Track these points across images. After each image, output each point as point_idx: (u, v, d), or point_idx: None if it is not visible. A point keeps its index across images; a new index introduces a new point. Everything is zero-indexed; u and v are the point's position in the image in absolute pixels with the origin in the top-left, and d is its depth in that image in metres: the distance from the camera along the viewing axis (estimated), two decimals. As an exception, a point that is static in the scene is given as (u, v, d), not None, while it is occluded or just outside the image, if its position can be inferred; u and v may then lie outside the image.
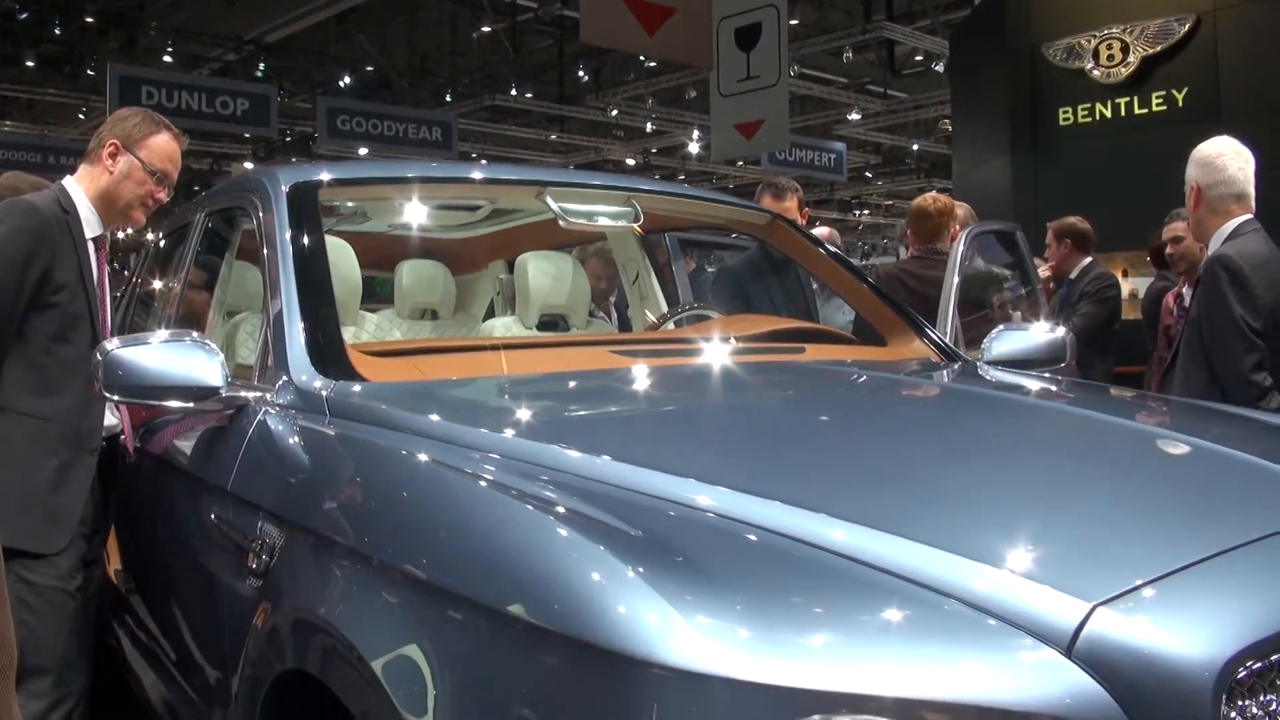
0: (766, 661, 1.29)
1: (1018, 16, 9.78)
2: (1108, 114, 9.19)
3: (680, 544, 1.56)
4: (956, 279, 4.06)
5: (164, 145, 3.28)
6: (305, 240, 2.81)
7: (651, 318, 4.51)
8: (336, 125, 18.13)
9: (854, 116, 21.16)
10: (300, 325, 2.57)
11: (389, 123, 18.66)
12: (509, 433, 2.11)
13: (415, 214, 4.27)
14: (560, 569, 1.48)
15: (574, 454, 1.91)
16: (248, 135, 20.70)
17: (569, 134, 23.07)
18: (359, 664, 1.70)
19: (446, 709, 1.54)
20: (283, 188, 2.96)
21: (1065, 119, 9.41)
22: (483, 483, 1.79)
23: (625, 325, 5.11)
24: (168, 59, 17.77)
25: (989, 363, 3.19)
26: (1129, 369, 6.76)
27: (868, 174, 28.01)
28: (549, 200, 3.30)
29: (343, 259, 3.59)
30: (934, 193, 5.66)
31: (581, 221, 3.39)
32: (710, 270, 6.39)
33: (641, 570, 1.42)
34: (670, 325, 4.15)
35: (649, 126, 22.04)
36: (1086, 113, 9.29)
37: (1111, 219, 6.60)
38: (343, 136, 18.20)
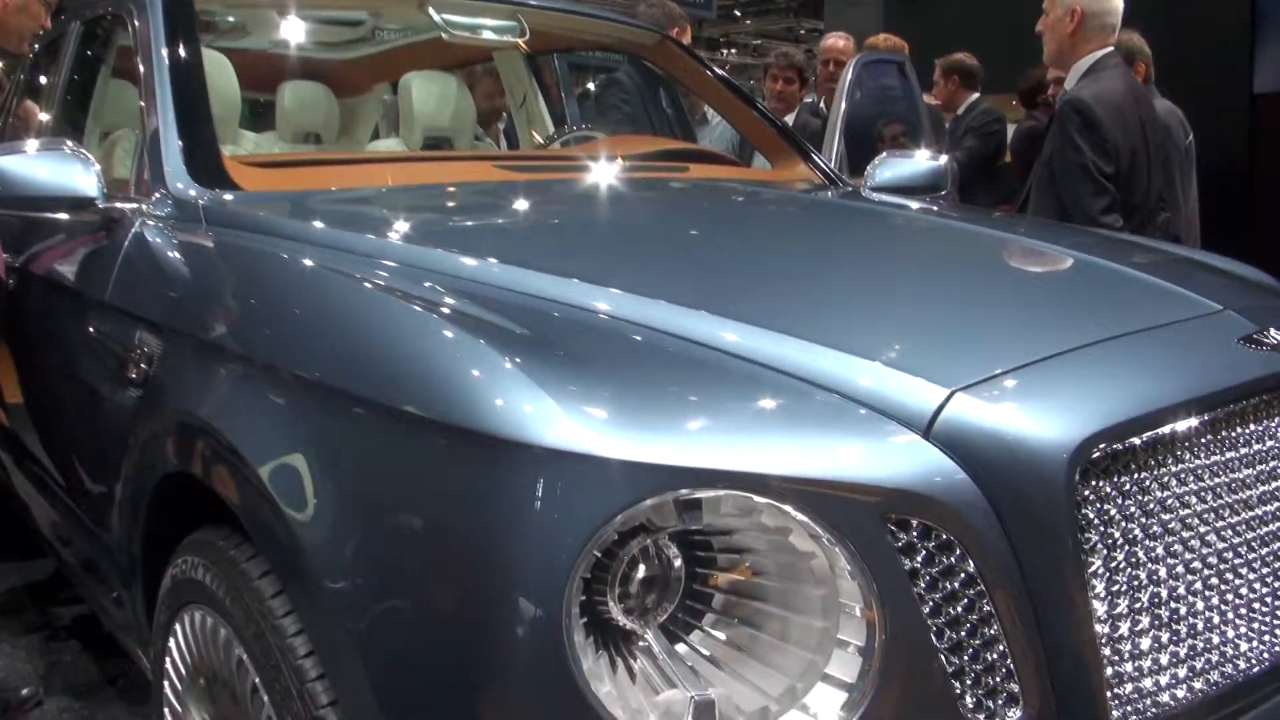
0: (636, 441, 1.33)
1: None
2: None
3: (560, 339, 1.59)
4: (844, 106, 4.08)
5: None
6: (181, 48, 2.73)
7: (539, 139, 4.47)
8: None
9: (724, -49, 20.61)
10: (176, 134, 2.51)
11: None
12: (391, 237, 2.11)
13: (295, 29, 4.15)
14: (441, 362, 1.50)
15: (457, 257, 1.91)
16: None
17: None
18: (240, 463, 1.71)
19: (329, 503, 1.56)
20: None
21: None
22: (364, 284, 1.79)
23: (516, 146, 5.04)
24: None
25: (872, 189, 3.23)
26: (1007, 208, 6.86)
27: (736, 12, 27.54)
28: (431, 11, 3.23)
29: (220, 74, 3.48)
30: (884, 34, 5.69)
31: (465, 34, 3.33)
32: (602, 86, 6.34)
33: (519, 361, 1.44)
34: (557, 146, 4.12)
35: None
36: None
37: (982, 61, 6.60)
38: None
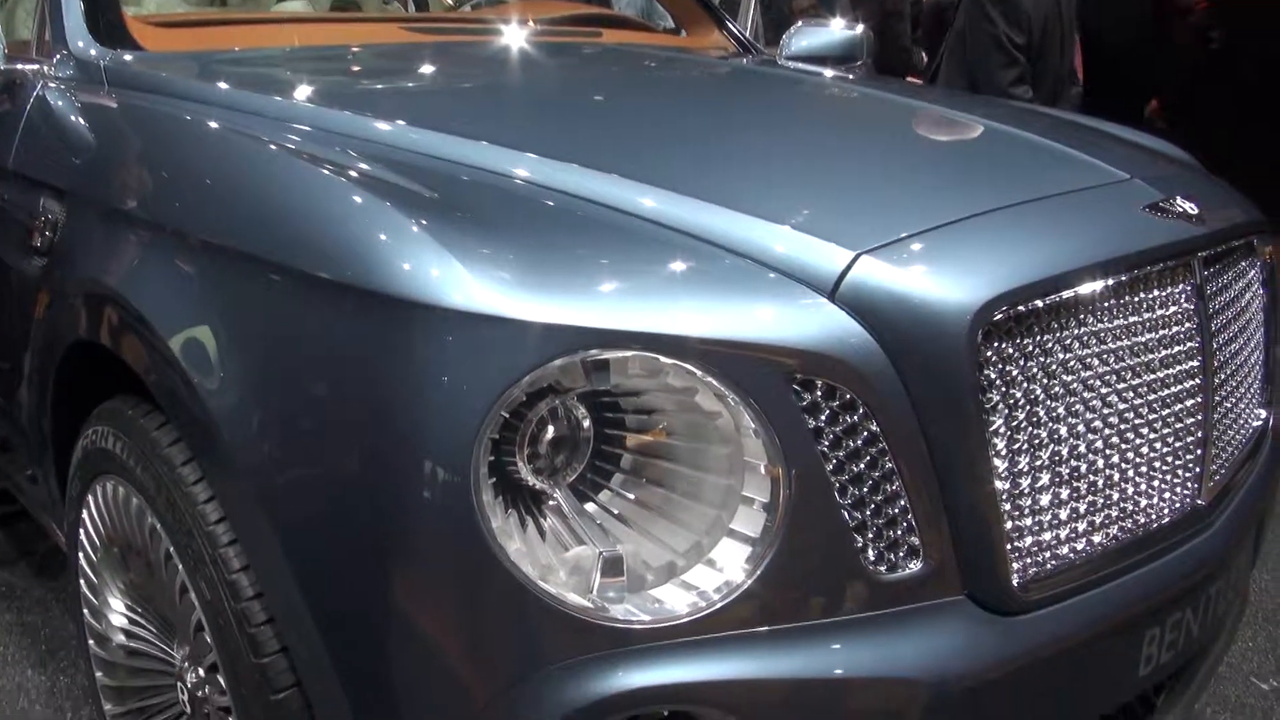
0: (544, 302, 1.33)
1: None
2: None
3: (468, 202, 1.59)
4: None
5: None
6: None
7: (448, 1, 4.39)
8: None
9: None
10: None
11: None
12: (297, 100, 2.07)
13: None
14: (348, 225, 1.48)
15: (364, 120, 1.88)
16: None
17: None
18: (147, 331, 1.69)
19: (236, 369, 1.56)
20: None
21: None
22: (270, 147, 1.76)
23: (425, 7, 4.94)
24: None
25: (788, 58, 3.21)
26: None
27: None
28: None
29: None
30: None
31: None
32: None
33: (426, 223, 1.43)
34: (467, 8, 4.05)
35: None
36: None
37: None
38: None
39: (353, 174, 1.62)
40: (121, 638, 2.11)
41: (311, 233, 1.52)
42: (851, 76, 2.99)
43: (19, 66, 2.40)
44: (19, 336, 2.24)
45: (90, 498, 2.04)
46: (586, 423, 1.39)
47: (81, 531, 2.11)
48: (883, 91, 2.56)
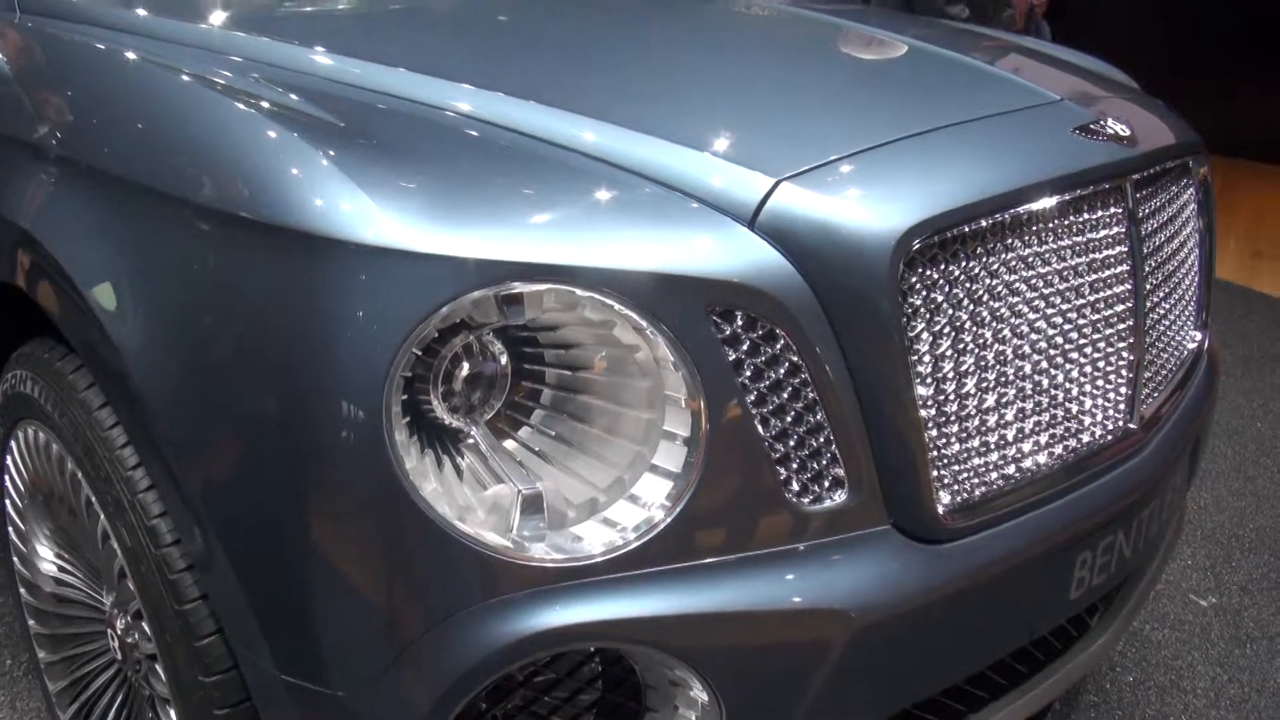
0: (454, 236, 1.30)
1: None
2: None
3: (380, 132, 1.54)
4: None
5: None
6: None
7: None
8: None
9: None
10: None
11: None
12: (210, 26, 2.00)
13: None
14: (256, 158, 1.44)
15: (278, 46, 1.83)
16: None
17: None
18: (56, 270, 1.65)
19: (146, 309, 1.52)
20: None
21: None
22: (181, 77, 1.70)
23: None
24: None
25: None
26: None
27: None
28: None
29: None
30: None
31: None
32: None
33: (335, 155, 1.39)
34: None
35: None
36: None
37: None
38: None
39: (264, 105, 1.57)
40: (51, 585, 2.08)
41: (218, 167, 1.47)
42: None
43: None
44: None
45: (13, 443, 2.00)
46: (503, 358, 1.36)
47: (6, 478, 2.07)
48: (812, 12, 2.51)
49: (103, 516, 1.68)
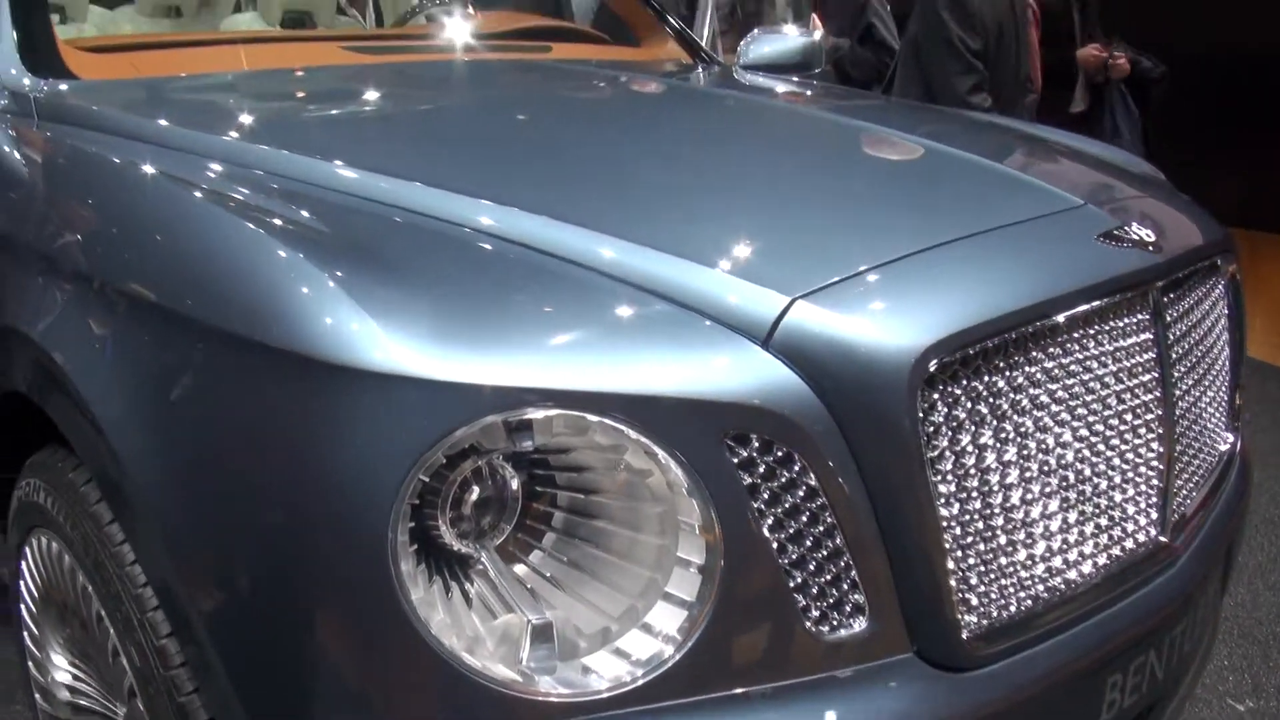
0: (461, 361, 1.28)
1: None
2: None
3: (389, 248, 1.52)
4: (717, -19, 3.97)
5: None
6: None
7: (398, 15, 4.32)
8: None
9: None
10: (8, 19, 2.36)
11: None
12: (222, 134, 2.00)
13: None
14: (261, 278, 1.43)
15: (288, 156, 1.83)
16: None
17: None
18: (64, 381, 1.63)
19: (151, 423, 1.50)
20: None
21: None
22: (188, 190, 1.70)
23: (381, 21, 4.87)
24: None
25: (745, 66, 3.16)
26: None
27: None
28: None
29: None
30: None
31: None
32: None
33: (341, 276, 1.37)
34: (421, 21, 3.98)
35: None
36: None
37: None
38: None
39: (275, 222, 1.56)
40: (66, 694, 2.05)
41: (226, 287, 1.46)
42: (809, 90, 2.94)
43: None
44: None
45: (27, 549, 1.99)
46: (514, 483, 1.33)
47: (21, 584, 2.05)
48: (829, 111, 2.49)
49: (113, 632, 1.66)
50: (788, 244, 1.61)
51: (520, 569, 1.35)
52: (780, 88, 2.86)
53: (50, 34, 2.42)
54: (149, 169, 1.80)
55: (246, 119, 2.23)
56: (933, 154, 2.06)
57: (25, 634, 2.09)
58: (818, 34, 3.47)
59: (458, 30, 3.12)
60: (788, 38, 3.30)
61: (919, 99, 3.67)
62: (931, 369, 1.40)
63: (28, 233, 1.91)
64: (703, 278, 1.44)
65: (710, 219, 1.68)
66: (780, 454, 1.33)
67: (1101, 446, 1.61)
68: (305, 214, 1.59)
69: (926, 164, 2.04)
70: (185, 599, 1.45)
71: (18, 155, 2.14)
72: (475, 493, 1.31)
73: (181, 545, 1.45)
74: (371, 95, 2.55)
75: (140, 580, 1.56)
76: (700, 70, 3.12)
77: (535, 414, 1.28)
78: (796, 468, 1.34)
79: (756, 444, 1.33)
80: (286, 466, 1.34)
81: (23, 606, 2.08)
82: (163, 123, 2.05)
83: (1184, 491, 1.80)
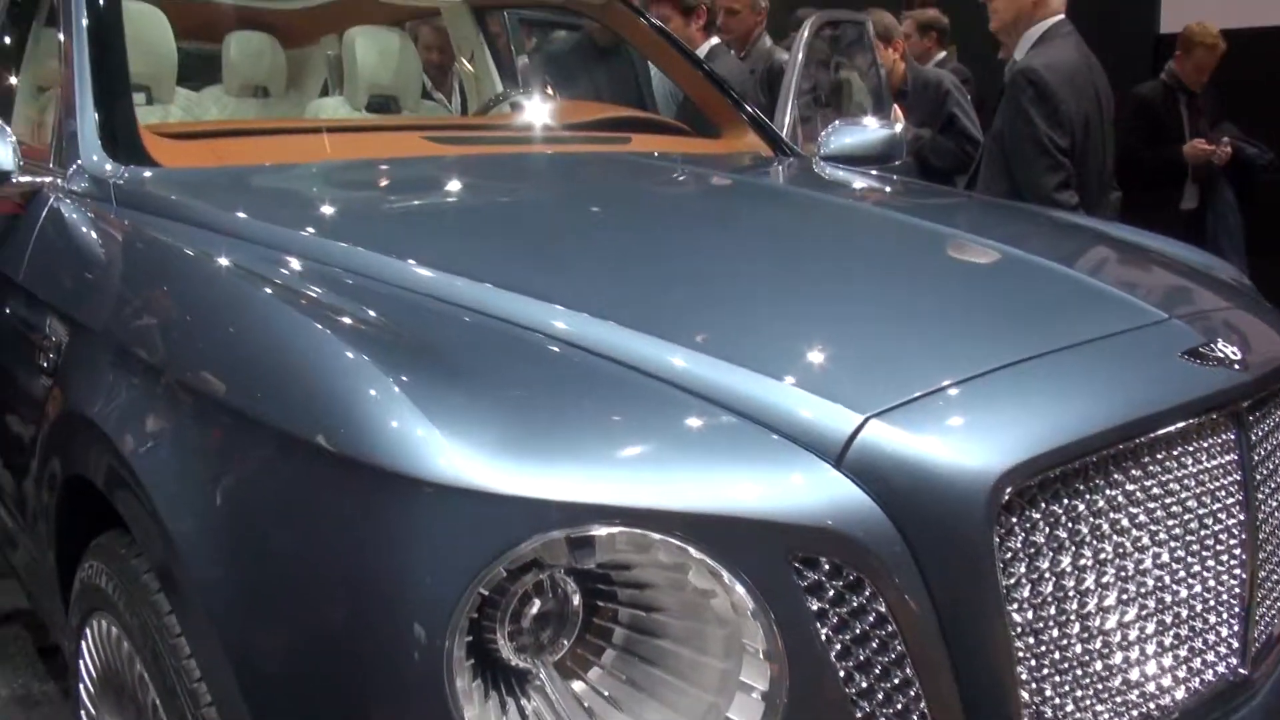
0: (524, 474, 1.26)
1: None
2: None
3: (456, 352, 1.51)
4: (798, 70, 3.95)
5: None
6: (100, 9, 2.61)
7: (482, 101, 4.36)
8: None
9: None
10: (91, 105, 2.41)
11: None
12: (295, 229, 2.00)
13: None
14: (325, 381, 1.42)
15: (362, 253, 1.82)
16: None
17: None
18: (127, 471, 1.64)
19: (211, 519, 1.49)
20: None
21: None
22: (257, 287, 1.71)
23: (465, 106, 4.93)
24: None
25: (824, 158, 3.14)
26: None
27: None
28: None
29: (154, 30, 3.36)
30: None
31: None
32: (550, 46, 6.18)
33: (407, 381, 1.36)
34: (505, 109, 4.01)
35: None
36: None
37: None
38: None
39: (341, 319, 1.56)
40: (121, 777, 2.04)
41: (291, 388, 1.46)
42: (889, 187, 2.92)
43: (35, 178, 2.38)
44: (28, 457, 2.19)
45: (88, 630, 1.98)
46: (575, 598, 1.30)
47: (81, 663, 2.05)
48: (909, 212, 2.44)
49: None
50: (862, 355, 1.58)
51: (579, 686, 1.32)
52: (860, 184, 2.84)
53: (132, 120, 2.46)
54: (221, 261, 1.81)
55: (322, 212, 2.24)
56: (1013, 262, 2.01)
57: (83, 713, 2.08)
58: (899, 126, 3.44)
59: (538, 120, 3.13)
60: (869, 130, 3.27)
61: (1004, 194, 3.62)
62: (1009, 494, 1.36)
63: (101, 319, 1.93)
64: (773, 391, 1.41)
65: (783, 326, 1.65)
66: (850, 579, 1.30)
67: (1182, 573, 1.55)
68: (375, 313, 1.59)
69: (1007, 272, 1.99)
70: (239, 696, 1.43)
71: (95, 241, 2.17)
72: (535, 607, 1.28)
73: (236, 643, 1.43)
74: (449, 189, 2.57)
75: (195, 674, 1.54)
76: (779, 165, 3.10)
77: (598, 531, 1.25)
78: (866, 593, 1.30)
79: (826, 567, 1.29)
80: (345, 572, 1.33)
81: (81, 687, 2.07)
82: (238, 214, 2.07)
83: (1265, 619, 1.73)
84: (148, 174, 2.30)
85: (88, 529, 1.95)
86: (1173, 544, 1.54)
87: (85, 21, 2.57)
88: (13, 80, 3.39)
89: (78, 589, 1.95)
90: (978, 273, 2.04)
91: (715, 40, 4.90)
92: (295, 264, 1.80)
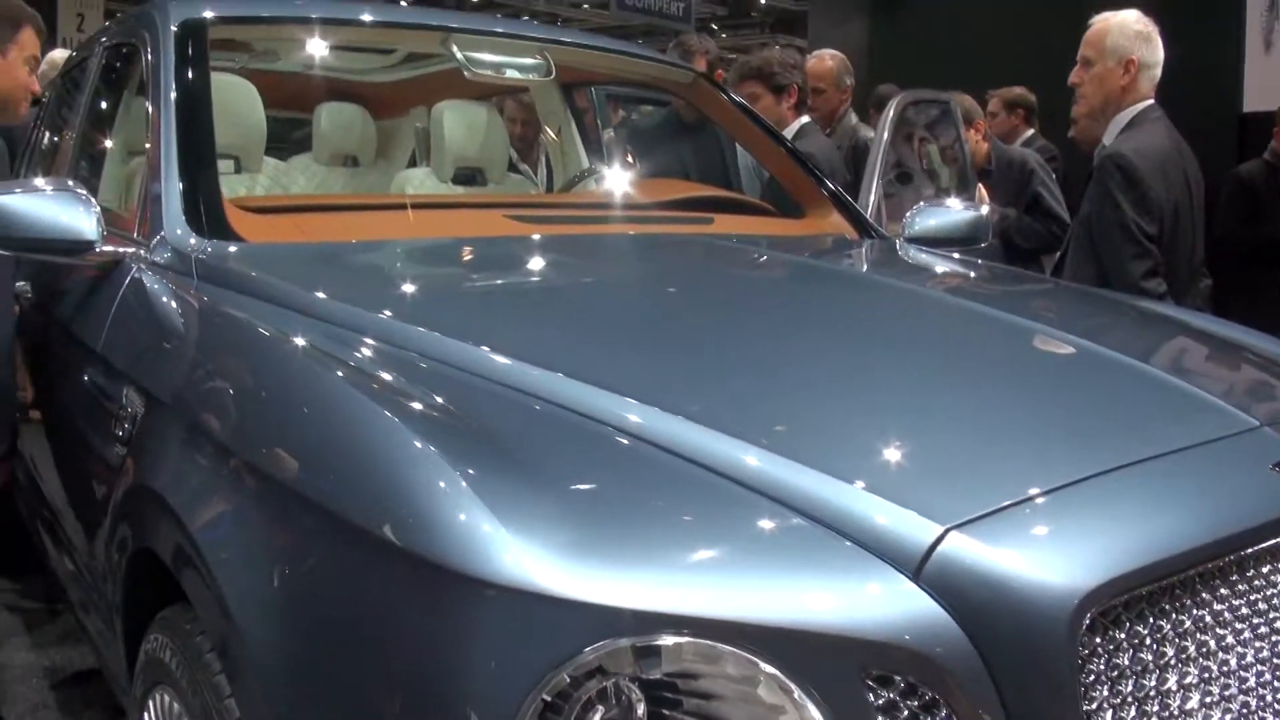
0: (591, 579, 1.23)
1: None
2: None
3: (531, 446, 1.48)
4: (884, 150, 3.92)
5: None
6: (189, 83, 2.66)
7: (567, 174, 4.38)
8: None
9: (703, -35, 20.51)
10: (176, 177, 2.44)
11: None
12: (373, 309, 1.99)
13: (325, 55, 4.08)
14: (391, 473, 1.41)
15: (436, 336, 1.80)
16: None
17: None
18: (195, 551, 1.64)
19: (275, 605, 1.48)
20: (171, 25, 2.78)
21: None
22: (328, 371, 1.70)
23: (551, 180, 4.96)
24: None
25: (909, 240, 3.10)
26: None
27: (713, 25, 27.20)
28: (454, 49, 3.15)
29: (244, 101, 3.41)
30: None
31: (488, 73, 3.24)
32: (634, 119, 6.20)
33: (474, 475, 1.35)
34: (589, 185, 4.02)
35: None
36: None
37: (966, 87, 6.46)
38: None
39: (411, 406, 1.55)
40: None
41: (356, 475, 1.45)
42: (973, 272, 2.87)
43: (118, 249, 2.40)
44: (101, 524, 2.20)
45: (151, 703, 1.97)
46: (640, 707, 1.26)
47: None
48: (994, 304, 2.37)
49: None
50: (942, 459, 1.52)
51: None
52: (944, 270, 2.80)
53: (217, 194, 2.47)
54: (296, 341, 1.81)
55: (399, 293, 2.24)
56: (1100, 361, 1.94)
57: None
58: (985, 208, 3.40)
59: (622, 198, 3.13)
60: (954, 211, 3.22)
61: (1091, 279, 3.55)
62: (1094, 614, 1.30)
63: (176, 394, 1.94)
64: (849, 496, 1.37)
65: (861, 424, 1.61)
66: (925, 698, 1.25)
67: (1269, 698, 1.48)
68: (446, 401, 1.57)
69: (1093, 372, 1.92)
70: None
71: (174, 315, 2.18)
72: (598, 714, 1.25)
73: None
74: (527, 272, 2.56)
75: None
76: (862, 248, 3.06)
77: (666, 640, 1.22)
78: (942, 714, 1.25)
79: (900, 685, 1.24)
80: (406, 668, 1.30)
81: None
82: (316, 293, 2.05)
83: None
84: (231, 249, 2.31)
85: (155, 600, 1.95)
86: (1262, 668, 1.46)
87: (174, 95, 2.61)
88: (105, 143, 3.46)
89: (142, 660, 1.95)
90: (1063, 371, 1.97)
91: (806, 119, 4.86)
92: (370, 346, 1.79)
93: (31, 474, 3.17)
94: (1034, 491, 1.42)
